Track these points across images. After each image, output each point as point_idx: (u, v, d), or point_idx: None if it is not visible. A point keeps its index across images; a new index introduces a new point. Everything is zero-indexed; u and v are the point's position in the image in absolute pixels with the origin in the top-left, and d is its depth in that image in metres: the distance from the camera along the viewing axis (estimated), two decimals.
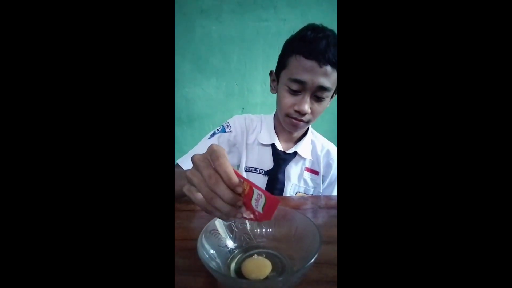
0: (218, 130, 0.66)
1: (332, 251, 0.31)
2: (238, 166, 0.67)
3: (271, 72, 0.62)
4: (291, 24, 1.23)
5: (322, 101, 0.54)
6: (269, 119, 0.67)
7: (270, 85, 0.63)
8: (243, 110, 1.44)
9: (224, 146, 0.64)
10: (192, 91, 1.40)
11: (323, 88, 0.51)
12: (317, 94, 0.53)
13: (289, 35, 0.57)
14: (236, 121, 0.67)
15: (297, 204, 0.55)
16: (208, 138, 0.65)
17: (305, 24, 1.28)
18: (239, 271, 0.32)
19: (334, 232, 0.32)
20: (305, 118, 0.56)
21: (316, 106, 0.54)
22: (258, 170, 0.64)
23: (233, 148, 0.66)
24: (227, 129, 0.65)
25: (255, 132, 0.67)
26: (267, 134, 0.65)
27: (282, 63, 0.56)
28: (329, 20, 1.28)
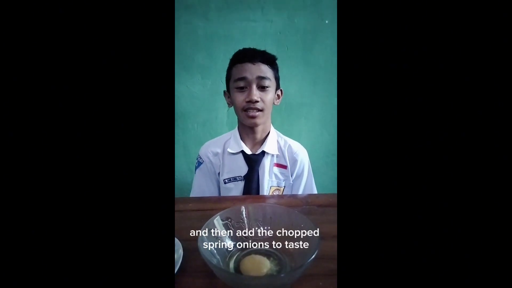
0: (197, 164, 0.74)
1: (324, 246, 0.33)
2: (219, 190, 0.74)
3: (224, 92, 0.72)
4: (278, 26, 1.24)
5: (267, 89, 0.65)
6: (235, 132, 0.75)
7: (226, 102, 0.72)
8: (229, 109, 1.43)
9: (207, 177, 0.73)
10: (175, 88, 1.37)
11: (262, 77, 0.64)
12: (260, 84, 0.64)
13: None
14: (202, 151, 0.75)
15: (287, 202, 0.56)
16: (195, 173, 0.74)
17: (291, 26, 1.29)
18: (237, 270, 0.33)
19: (325, 228, 0.33)
20: (258, 105, 0.65)
21: (264, 95, 0.65)
22: (238, 178, 0.71)
23: (213, 175, 0.73)
24: (200, 161, 0.74)
25: (225, 147, 0.74)
26: (235, 144, 0.73)
27: (227, 77, 0.69)
28: (313, 23, 1.30)
